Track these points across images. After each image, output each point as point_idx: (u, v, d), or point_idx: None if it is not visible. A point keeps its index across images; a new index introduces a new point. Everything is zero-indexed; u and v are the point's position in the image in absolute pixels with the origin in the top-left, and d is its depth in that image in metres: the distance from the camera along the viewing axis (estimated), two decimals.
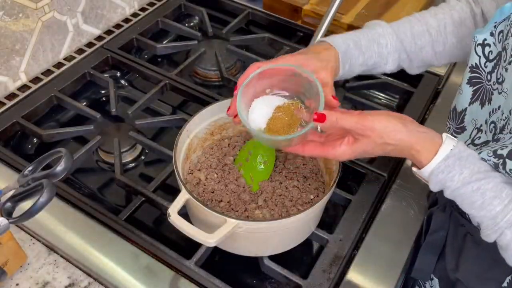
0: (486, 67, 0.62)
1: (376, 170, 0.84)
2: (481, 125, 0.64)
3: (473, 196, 0.55)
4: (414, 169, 0.60)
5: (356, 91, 1.02)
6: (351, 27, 1.09)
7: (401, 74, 1.07)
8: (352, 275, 0.71)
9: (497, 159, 0.55)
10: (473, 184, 0.54)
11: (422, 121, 0.95)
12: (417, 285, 0.86)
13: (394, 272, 0.72)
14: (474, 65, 0.63)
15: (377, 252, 0.74)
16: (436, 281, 0.79)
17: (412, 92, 1.00)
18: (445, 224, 0.74)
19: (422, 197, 0.81)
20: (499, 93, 0.59)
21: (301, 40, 1.14)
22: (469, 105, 0.65)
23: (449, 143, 0.56)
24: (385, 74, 1.08)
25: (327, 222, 0.82)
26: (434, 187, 0.58)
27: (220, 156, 0.81)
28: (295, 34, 1.15)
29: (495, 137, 0.60)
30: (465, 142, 0.66)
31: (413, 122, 0.59)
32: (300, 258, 0.78)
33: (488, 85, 0.62)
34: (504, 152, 0.54)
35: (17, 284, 0.67)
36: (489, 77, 0.62)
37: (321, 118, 0.58)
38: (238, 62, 1.11)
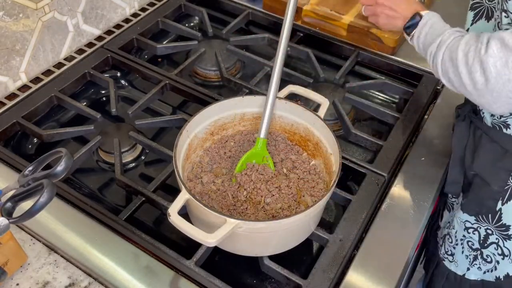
0: None
1: (376, 170, 0.84)
2: None
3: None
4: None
5: (356, 92, 1.02)
6: (351, 27, 1.09)
7: (401, 74, 1.08)
8: (352, 275, 0.71)
9: None
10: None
11: (421, 121, 0.95)
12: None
13: (394, 272, 0.72)
14: None
15: (377, 252, 0.74)
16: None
17: (412, 92, 1.00)
18: (466, 132, 0.81)
19: (422, 197, 0.81)
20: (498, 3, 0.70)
21: (301, 40, 1.14)
22: (471, 25, 0.78)
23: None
24: (384, 74, 1.09)
25: (327, 222, 0.82)
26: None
27: (220, 156, 0.81)
28: (295, 34, 1.15)
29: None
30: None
31: None
32: (300, 258, 0.78)
33: (489, 3, 0.74)
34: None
35: (17, 284, 0.67)
36: None
37: None
38: (238, 62, 1.11)
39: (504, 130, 0.75)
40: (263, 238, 0.68)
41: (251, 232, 0.65)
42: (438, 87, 1.02)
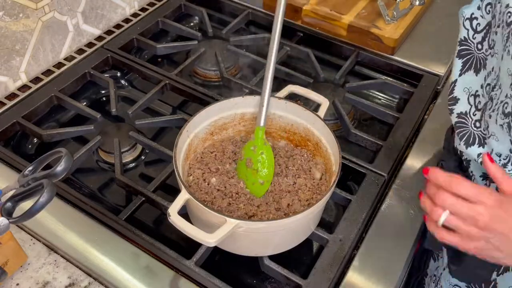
0: (474, 38, 0.66)
1: (376, 170, 0.84)
2: (476, 91, 0.68)
3: None
4: None
5: (356, 91, 1.02)
6: (351, 27, 1.09)
7: (401, 74, 1.08)
8: (352, 275, 0.71)
9: (507, 118, 0.58)
10: None
11: (421, 121, 0.95)
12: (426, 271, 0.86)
13: (394, 272, 0.72)
14: (463, 38, 0.67)
15: (377, 252, 0.74)
16: (444, 251, 0.79)
17: (412, 92, 1.00)
18: None
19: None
20: (492, 56, 0.64)
21: (301, 40, 1.14)
22: (459, 76, 0.70)
23: None
24: (384, 74, 1.09)
25: (327, 222, 0.82)
26: None
27: (220, 156, 0.81)
28: (295, 34, 1.15)
29: (490, 96, 0.64)
30: (469, 110, 0.69)
31: None
32: (300, 258, 0.78)
33: (479, 53, 0.67)
34: (509, 109, 0.58)
35: (17, 284, 0.67)
36: (479, 46, 0.66)
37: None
38: (238, 61, 1.11)
39: None
40: (263, 238, 0.68)
41: (251, 232, 0.65)
42: (438, 87, 1.02)
